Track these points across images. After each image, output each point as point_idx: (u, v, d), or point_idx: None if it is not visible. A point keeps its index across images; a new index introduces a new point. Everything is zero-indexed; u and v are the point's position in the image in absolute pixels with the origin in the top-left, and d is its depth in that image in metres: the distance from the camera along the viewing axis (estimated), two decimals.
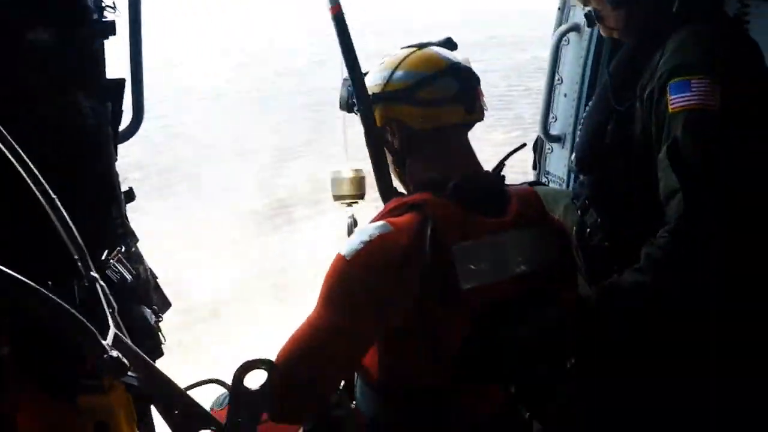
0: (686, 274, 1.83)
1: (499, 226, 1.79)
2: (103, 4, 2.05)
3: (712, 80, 1.86)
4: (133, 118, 2.48)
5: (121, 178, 2.50)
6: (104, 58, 2.27)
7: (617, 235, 2.21)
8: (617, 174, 2.19)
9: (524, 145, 2.13)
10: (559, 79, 3.29)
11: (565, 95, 3.30)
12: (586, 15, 2.32)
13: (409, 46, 1.99)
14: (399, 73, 1.91)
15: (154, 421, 1.80)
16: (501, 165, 1.96)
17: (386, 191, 2.00)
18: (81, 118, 1.92)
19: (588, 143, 2.29)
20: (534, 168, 3.54)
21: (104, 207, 2.05)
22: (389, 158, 2.01)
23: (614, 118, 2.15)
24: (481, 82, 1.95)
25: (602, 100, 2.27)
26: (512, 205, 1.86)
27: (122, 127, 2.44)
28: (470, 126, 1.94)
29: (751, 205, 1.84)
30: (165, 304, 2.50)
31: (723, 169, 1.81)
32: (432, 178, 1.85)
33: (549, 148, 3.41)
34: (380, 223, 1.73)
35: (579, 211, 2.35)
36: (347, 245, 1.71)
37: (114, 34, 2.13)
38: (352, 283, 1.69)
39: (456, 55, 1.96)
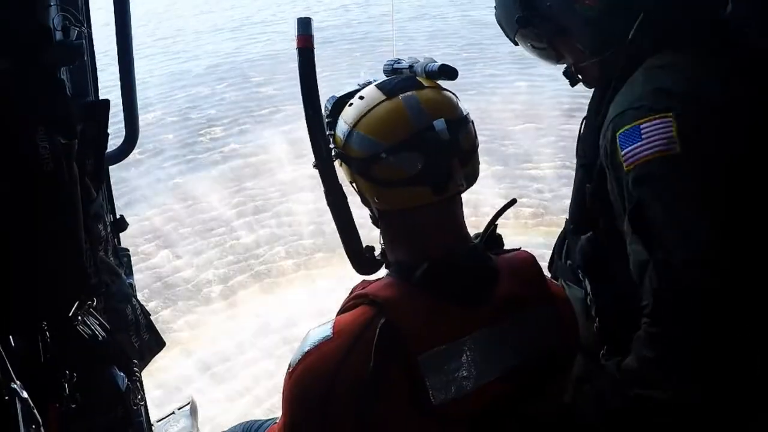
0: (675, 366, 1.42)
1: (477, 322, 1.50)
2: (69, 24, 1.76)
3: (665, 118, 1.47)
4: (126, 138, 2.23)
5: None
6: (92, 80, 2.05)
7: (605, 312, 1.89)
8: (600, 240, 1.87)
9: (514, 200, 1.74)
10: None
11: None
12: (564, 73, 1.94)
13: (381, 86, 1.59)
14: (356, 134, 1.54)
15: None
16: (489, 231, 1.64)
17: (355, 256, 1.76)
18: (36, 164, 1.67)
19: (573, 204, 1.98)
20: None
21: (69, 260, 1.80)
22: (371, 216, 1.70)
23: (590, 179, 1.80)
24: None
25: (579, 156, 1.95)
26: (500, 286, 1.55)
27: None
28: (450, 200, 1.56)
29: (738, 264, 1.41)
30: (158, 344, 2.30)
31: (697, 224, 1.43)
32: (400, 262, 1.58)
33: None
34: (326, 326, 1.50)
35: (580, 275, 2.04)
36: (294, 353, 1.51)
37: (81, 58, 1.86)
38: (295, 397, 1.49)
39: (439, 107, 1.54)
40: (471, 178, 1.57)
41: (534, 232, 6.58)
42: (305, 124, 1.65)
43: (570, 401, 1.63)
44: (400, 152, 1.48)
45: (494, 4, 1.93)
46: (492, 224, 1.65)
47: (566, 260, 2.28)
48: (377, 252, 1.76)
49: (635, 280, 1.51)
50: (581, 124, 1.95)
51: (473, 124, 1.59)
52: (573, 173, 2.01)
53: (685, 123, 1.46)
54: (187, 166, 8.95)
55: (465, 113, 1.57)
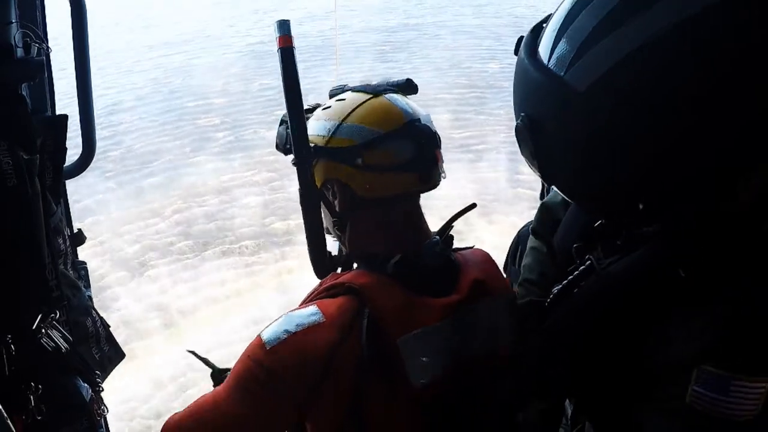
0: None
1: (449, 307, 1.58)
2: (30, 41, 1.78)
3: (761, 383, 1.25)
4: (83, 153, 2.25)
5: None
6: (49, 96, 2.07)
7: None
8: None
9: (474, 205, 1.77)
10: None
11: None
12: None
13: (360, 89, 1.70)
14: (346, 126, 1.63)
15: None
16: (448, 228, 1.71)
17: (319, 261, 1.77)
18: (0, 179, 1.70)
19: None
20: (541, 198, 3.23)
21: (32, 273, 1.82)
22: (329, 219, 1.75)
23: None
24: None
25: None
26: (465, 276, 1.65)
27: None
28: (423, 193, 1.69)
29: None
30: (118, 354, 2.31)
31: None
32: (372, 253, 1.64)
33: None
34: (311, 309, 1.52)
35: None
36: (270, 330, 1.51)
37: (42, 74, 1.89)
38: (269, 376, 1.49)
39: (416, 107, 1.68)
40: (441, 176, 1.70)
41: None
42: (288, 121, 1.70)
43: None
44: (396, 139, 1.59)
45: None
46: (450, 224, 1.72)
47: (519, 266, 2.39)
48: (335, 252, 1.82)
49: None
50: None
51: None
52: None
53: None
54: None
55: None
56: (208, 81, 12.59)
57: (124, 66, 14.27)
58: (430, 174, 1.62)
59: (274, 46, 1.72)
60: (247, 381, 1.51)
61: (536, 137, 1.36)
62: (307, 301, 1.62)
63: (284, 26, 1.71)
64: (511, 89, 1.46)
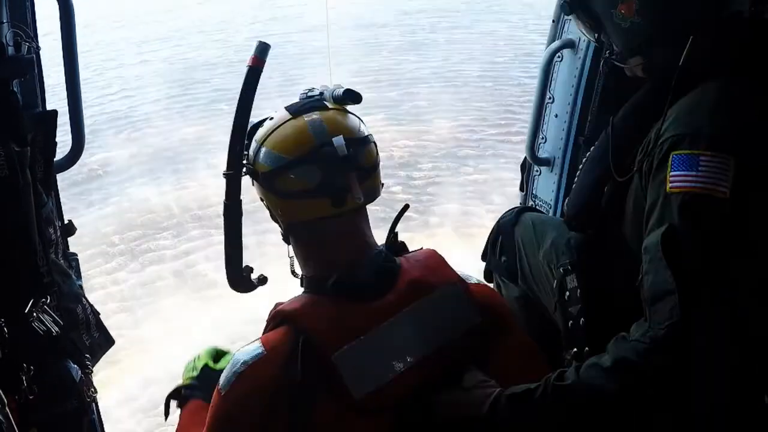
0: (666, 393, 1.43)
1: (384, 311, 1.58)
2: (21, 40, 1.88)
3: (726, 160, 1.47)
4: (72, 147, 2.33)
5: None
6: (40, 92, 2.16)
7: (594, 312, 1.92)
8: (605, 243, 1.91)
9: (407, 206, 1.84)
10: (550, 98, 2.99)
11: (556, 116, 2.99)
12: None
13: (288, 107, 1.70)
14: (263, 151, 1.66)
15: None
16: (391, 237, 1.77)
17: (232, 273, 1.86)
18: None
19: (582, 201, 1.97)
20: (521, 190, 3.31)
21: (23, 260, 1.91)
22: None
23: (613, 180, 1.82)
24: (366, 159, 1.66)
25: (603, 154, 1.93)
26: (403, 277, 1.64)
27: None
28: (350, 213, 1.65)
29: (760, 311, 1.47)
30: (108, 341, 2.40)
31: (733, 275, 1.44)
32: (309, 277, 1.68)
33: (537, 171, 3.16)
34: (255, 345, 1.57)
35: (562, 270, 2.05)
36: (223, 377, 1.57)
37: (33, 71, 1.99)
38: (228, 419, 1.55)
39: (341, 123, 1.66)
40: (371, 193, 1.67)
41: None
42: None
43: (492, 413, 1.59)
44: (301, 165, 1.59)
45: None
46: (392, 231, 1.78)
47: (500, 257, 2.38)
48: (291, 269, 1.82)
49: (643, 298, 1.51)
50: (611, 120, 1.91)
51: (375, 145, 1.70)
52: None
53: (743, 172, 1.46)
54: None
55: (366, 134, 1.68)
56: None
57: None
58: (341, 198, 1.59)
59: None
60: (215, 424, 1.57)
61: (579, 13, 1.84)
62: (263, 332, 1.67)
63: (262, 49, 1.77)
64: None
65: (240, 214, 1.80)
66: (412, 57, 13.28)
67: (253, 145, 1.70)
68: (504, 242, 2.47)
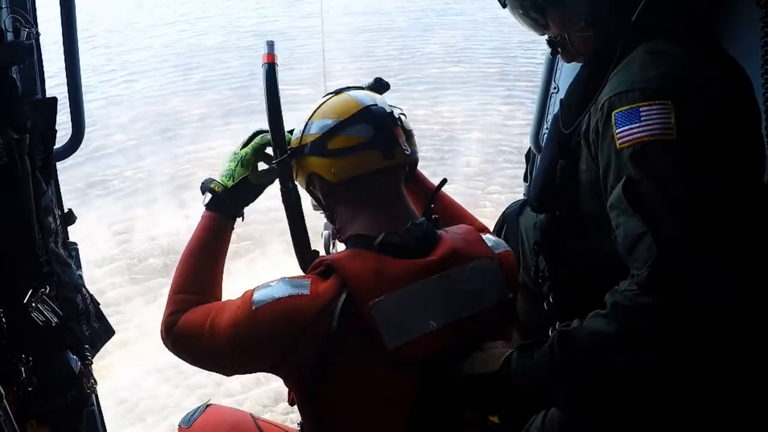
0: (661, 332, 1.48)
1: (425, 270, 1.66)
2: (20, 25, 1.85)
3: (664, 105, 1.54)
4: (72, 136, 2.31)
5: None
6: (39, 78, 2.12)
7: (560, 290, 1.99)
8: (564, 220, 1.94)
9: (445, 180, 2.01)
10: (555, 87, 2.97)
11: None
12: (547, 41, 1.98)
13: (331, 92, 1.89)
14: (312, 123, 1.83)
15: None
16: (429, 207, 1.91)
17: (302, 255, 1.93)
18: None
19: (540, 180, 2.02)
20: (525, 180, 3.30)
21: (22, 249, 1.88)
22: (324, 214, 1.93)
23: (565, 155, 1.88)
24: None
25: (555, 133, 1.97)
26: (444, 244, 1.73)
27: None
28: (396, 171, 1.81)
29: (732, 236, 1.50)
30: (107, 332, 2.38)
31: (696, 205, 1.49)
32: (358, 234, 1.76)
33: None
34: (302, 282, 1.63)
35: (533, 253, 2.13)
36: (261, 291, 1.63)
37: (32, 57, 1.96)
38: (250, 332, 1.61)
39: (377, 97, 1.86)
40: (413, 152, 1.85)
41: None
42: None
43: (506, 366, 1.66)
44: (352, 124, 1.75)
45: None
46: (431, 201, 1.93)
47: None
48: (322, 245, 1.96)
49: (622, 252, 1.56)
50: (561, 99, 2.00)
51: (405, 116, 1.89)
52: None
53: (682, 112, 1.53)
54: None
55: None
56: None
57: None
58: (391, 150, 1.75)
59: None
60: (237, 328, 1.62)
61: None
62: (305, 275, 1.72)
63: (271, 46, 1.92)
64: None
65: (299, 197, 1.91)
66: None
67: (299, 127, 1.87)
68: (508, 232, 2.52)
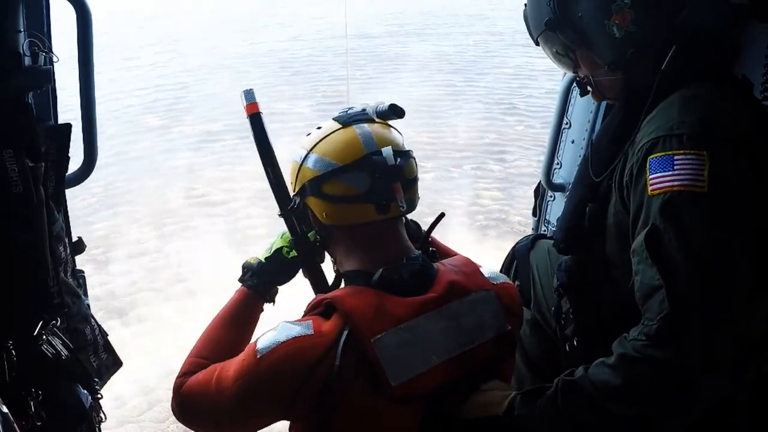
0: (665, 387, 1.49)
1: (423, 306, 1.64)
2: (38, 50, 1.81)
3: (699, 155, 1.53)
4: (84, 162, 2.26)
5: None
6: (52, 104, 2.08)
7: (586, 332, 1.97)
8: (592, 263, 1.93)
9: (443, 214, 1.92)
10: (567, 123, 2.98)
11: (573, 141, 2.99)
12: (576, 82, 2.00)
13: (336, 118, 1.78)
14: (312, 157, 1.74)
15: None
16: (426, 240, 1.87)
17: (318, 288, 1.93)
18: (5, 186, 1.71)
19: (567, 222, 2.03)
20: (534, 215, 3.29)
21: (34, 280, 1.83)
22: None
23: (595, 198, 1.88)
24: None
25: (584, 175, 1.98)
26: (441, 278, 1.70)
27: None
28: (391, 220, 1.73)
29: (745, 296, 1.49)
30: (115, 363, 2.32)
31: (714, 264, 1.48)
32: (355, 270, 1.73)
33: (551, 196, 3.13)
34: (304, 324, 1.60)
35: (556, 294, 2.11)
36: (264, 338, 1.60)
37: (49, 83, 1.92)
38: (259, 379, 1.57)
39: (387, 136, 1.74)
40: (411, 203, 1.73)
41: None
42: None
43: (510, 412, 1.65)
44: (351, 172, 1.67)
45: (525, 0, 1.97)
46: (428, 236, 1.88)
47: (514, 280, 2.41)
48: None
49: (637, 299, 1.57)
50: (589, 142, 2.01)
51: (415, 159, 1.77)
52: None
53: (717, 165, 1.51)
54: None
55: (408, 149, 1.76)
56: None
57: None
58: (387, 206, 1.67)
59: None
60: (241, 384, 1.59)
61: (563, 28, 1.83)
62: (303, 316, 1.69)
63: (249, 95, 1.91)
64: None
65: (312, 243, 1.88)
66: None
67: (301, 152, 1.77)
68: (519, 267, 2.51)
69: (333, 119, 1.79)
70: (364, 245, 1.73)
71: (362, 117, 1.76)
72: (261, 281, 1.92)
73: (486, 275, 1.80)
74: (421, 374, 1.60)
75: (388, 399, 1.56)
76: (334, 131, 1.74)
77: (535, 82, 11.91)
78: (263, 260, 1.95)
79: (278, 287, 1.97)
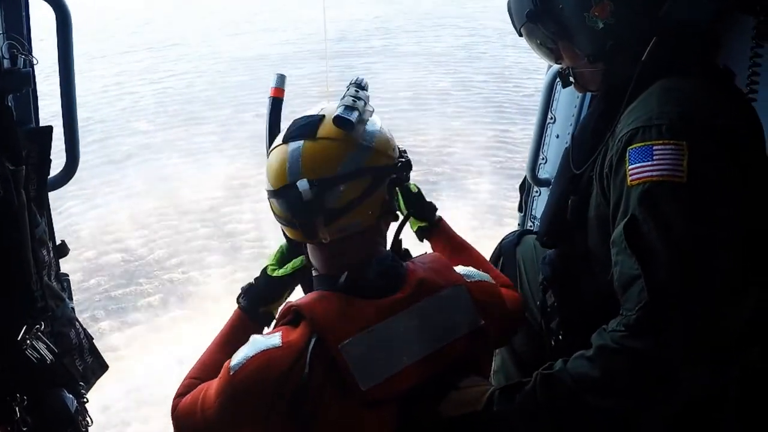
0: (644, 378, 1.50)
1: (392, 307, 1.62)
2: (17, 52, 1.79)
3: (679, 146, 1.53)
4: (66, 165, 2.24)
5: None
6: (33, 107, 2.07)
7: (570, 326, 1.98)
8: (575, 255, 1.94)
9: (408, 216, 1.95)
10: (551, 118, 3.00)
11: (558, 136, 3.00)
12: (558, 73, 2.02)
13: (293, 122, 1.71)
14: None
15: None
16: (396, 241, 1.82)
17: None
18: None
19: (550, 216, 2.04)
20: (519, 210, 3.29)
21: (17, 284, 1.82)
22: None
23: (576, 191, 1.90)
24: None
25: (565, 168, 1.99)
26: (410, 277, 1.68)
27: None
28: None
29: (727, 289, 1.50)
30: (101, 367, 2.31)
31: (693, 253, 1.48)
32: (321, 275, 1.75)
33: (537, 191, 3.15)
34: (273, 337, 1.60)
35: (541, 288, 2.12)
36: (236, 357, 1.59)
37: (29, 86, 1.90)
38: (233, 396, 1.57)
39: (319, 158, 1.62)
40: (346, 228, 1.65)
41: None
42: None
43: (489, 408, 1.66)
44: (279, 198, 1.67)
45: None
46: (396, 238, 1.83)
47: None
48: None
49: (616, 290, 1.57)
50: (572, 134, 2.00)
51: (359, 177, 1.63)
52: None
53: (696, 155, 1.52)
54: None
55: (346, 170, 1.61)
56: None
57: None
58: (310, 236, 1.67)
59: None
60: (222, 398, 1.60)
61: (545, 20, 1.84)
62: (273, 328, 1.70)
63: (281, 80, 1.92)
64: None
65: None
66: None
67: None
68: (505, 263, 2.51)
69: (286, 129, 1.71)
70: (325, 251, 1.71)
71: (305, 132, 1.65)
72: (249, 302, 1.92)
73: (461, 272, 1.78)
74: (392, 376, 1.59)
75: (360, 403, 1.56)
76: (276, 147, 1.69)
77: None
78: (253, 280, 1.95)
79: (273, 310, 1.94)
